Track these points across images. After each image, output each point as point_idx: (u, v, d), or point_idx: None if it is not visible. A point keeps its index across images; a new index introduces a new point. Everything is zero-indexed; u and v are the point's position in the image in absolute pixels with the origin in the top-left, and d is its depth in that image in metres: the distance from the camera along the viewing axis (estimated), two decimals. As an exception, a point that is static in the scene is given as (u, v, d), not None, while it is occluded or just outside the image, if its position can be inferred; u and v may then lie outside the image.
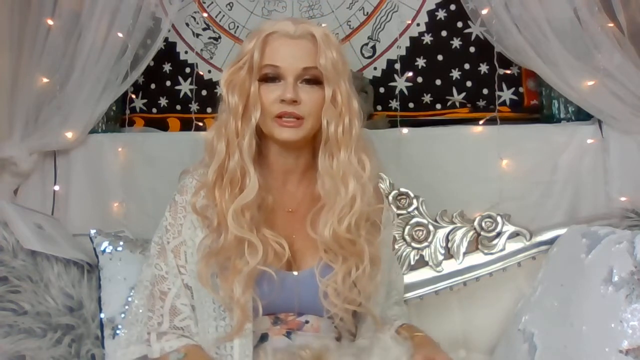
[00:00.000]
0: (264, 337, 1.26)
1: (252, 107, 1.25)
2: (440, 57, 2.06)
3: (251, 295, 1.21)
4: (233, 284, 1.20)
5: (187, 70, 2.14)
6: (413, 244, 1.74)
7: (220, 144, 1.26)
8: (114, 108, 2.07)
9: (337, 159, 1.27)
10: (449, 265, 1.73)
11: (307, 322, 1.28)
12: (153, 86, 2.17)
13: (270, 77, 1.26)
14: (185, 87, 2.14)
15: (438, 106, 2.05)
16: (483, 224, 1.73)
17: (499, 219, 1.73)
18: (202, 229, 1.28)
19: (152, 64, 2.05)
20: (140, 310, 1.36)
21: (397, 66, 2.00)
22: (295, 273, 1.27)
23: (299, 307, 1.27)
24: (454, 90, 2.04)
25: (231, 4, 2.14)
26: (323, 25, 1.32)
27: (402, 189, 1.75)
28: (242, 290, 1.19)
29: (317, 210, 1.28)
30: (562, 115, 1.91)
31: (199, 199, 1.27)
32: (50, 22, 1.92)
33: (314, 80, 1.26)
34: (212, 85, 2.12)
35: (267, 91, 1.25)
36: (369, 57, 2.09)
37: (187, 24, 2.14)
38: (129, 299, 1.53)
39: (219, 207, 1.24)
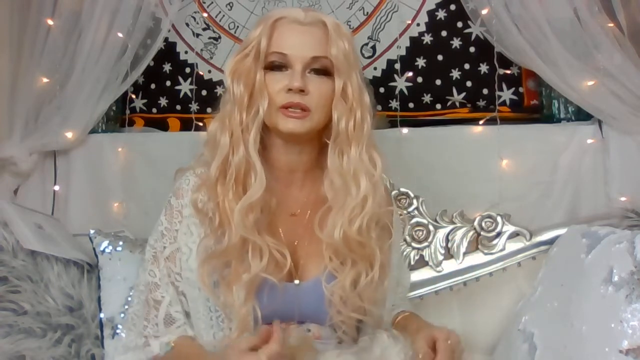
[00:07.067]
0: None
1: (258, 97, 1.17)
2: (440, 57, 2.05)
3: (252, 304, 1.14)
4: (234, 291, 1.13)
5: (187, 70, 2.13)
6: (413, 244, 1.74)
7: (224, 137, 1.18)
8: (114, 108, 2.07)
9: (347, 156, 1.19)
10: (449, 265, 1.73)
11: (308, 330, 1.21)
12: (153, 86, 2.16)
13: (276, 65, 1.18)
14: (185, 87, 2.14)
15: (438, 106, 2.05)
16: (483, 224, 1.73)
17: (499, 219, 1.73)
18: (202, 230, 1.20)
19: (152, 64, 2.04)
20: (137, 315, 1.30)
21: (397, 66, 1.99)
22: (297, 282, 1.20)
23: (299, 317, 1.20)
24: (454, 90, 2.04)
25: (231, 4, 2.14)
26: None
27: (402, 189, 1.76)
28: (243, 298, 1.12)
29: (324, 211, 1.20)
30: (562, 115, 1.91)
31: (200, 196, 1.20)
32: (50, 22, 1.92)
33: (323, 71, 1.19)
34: (212, 85, 2.12)
35: (273, 80, 1.18)
36: (369, 57, 2.08)
37: (187, 24, 2.14)
38: (129, 299, 1.53)
39: (222, 205, 1.16)
